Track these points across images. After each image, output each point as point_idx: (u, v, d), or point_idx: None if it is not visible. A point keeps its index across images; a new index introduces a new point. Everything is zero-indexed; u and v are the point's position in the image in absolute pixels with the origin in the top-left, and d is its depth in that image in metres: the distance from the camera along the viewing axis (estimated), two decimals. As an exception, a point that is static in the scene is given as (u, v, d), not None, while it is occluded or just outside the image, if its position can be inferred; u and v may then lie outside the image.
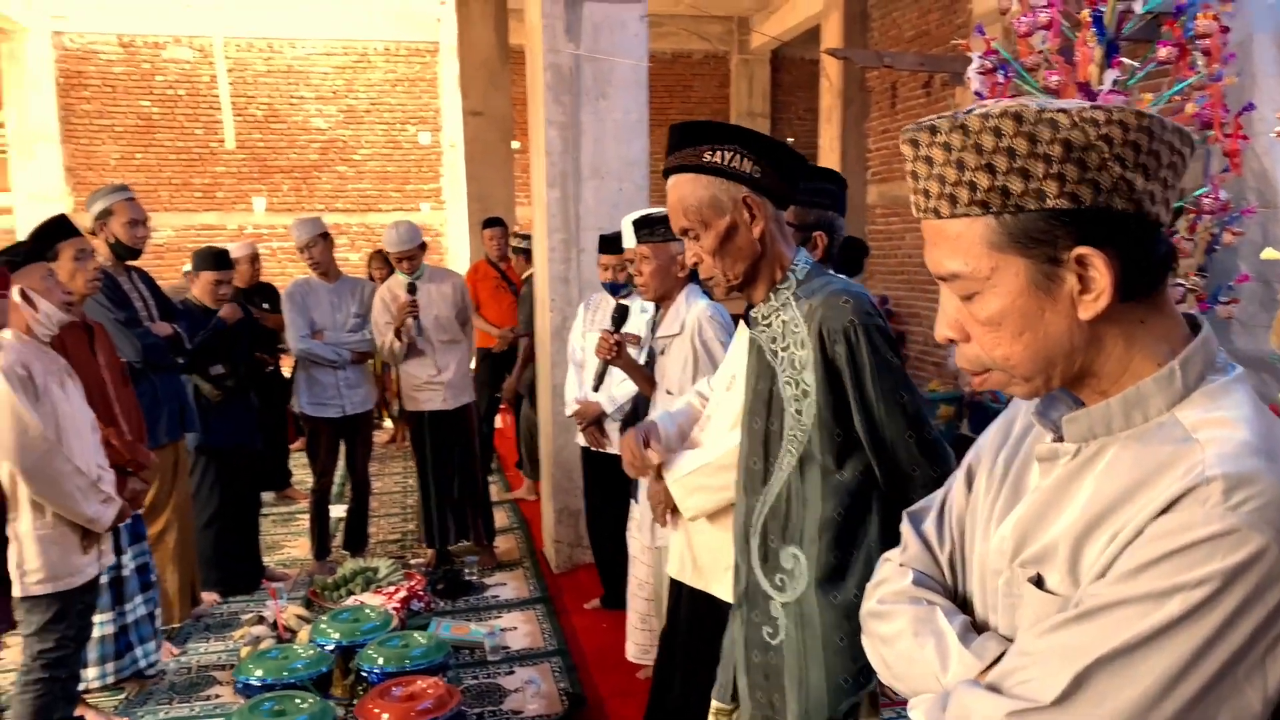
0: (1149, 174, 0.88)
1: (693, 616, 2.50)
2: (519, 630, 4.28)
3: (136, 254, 4.16)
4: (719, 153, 1.74)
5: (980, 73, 4.27)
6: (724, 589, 2.34)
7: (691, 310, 3.16)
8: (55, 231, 3.39)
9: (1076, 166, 0.87)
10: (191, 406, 4.43)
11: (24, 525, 2.84)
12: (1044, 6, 4.09)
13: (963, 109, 0.94)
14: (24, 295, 2.89)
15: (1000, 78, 4.29)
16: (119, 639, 3.57)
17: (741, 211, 1.75)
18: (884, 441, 1.70)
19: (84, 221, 3.92)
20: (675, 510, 2.35)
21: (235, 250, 6.07)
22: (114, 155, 10.92)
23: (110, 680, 3.56)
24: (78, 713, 3.33)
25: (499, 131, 9.31)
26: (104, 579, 3.46)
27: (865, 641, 1.14)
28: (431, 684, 3.11)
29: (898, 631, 1.07)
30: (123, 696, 3.71)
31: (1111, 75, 3.99)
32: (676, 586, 2.56)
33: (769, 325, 1.81)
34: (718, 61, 12.42)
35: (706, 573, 2.37)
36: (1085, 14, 4.08)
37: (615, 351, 3.34)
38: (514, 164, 9.27)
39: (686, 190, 1.77)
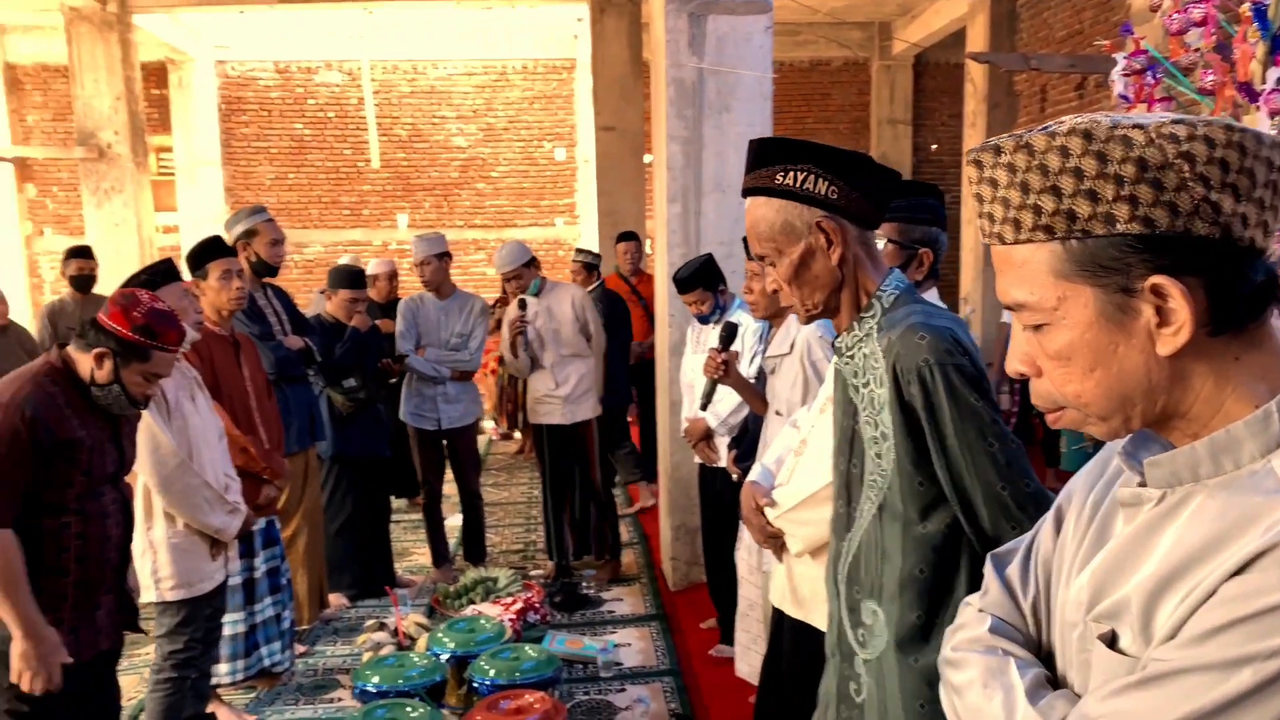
0: (1240, 195, 0.79)
1: (795, 646, 2.42)
2: (633, 647, 4.26)
3: (275, 271, 4.36)
4: (791, 174, 1.61)
5: (1125, 74, 4.01)
6: (821, 621, 2.26)
7: (802, 329, 3.08)
8: (209, 251, 3.61)
9: (1152, 188, 0.79)
10: (322, 416, 4.62)
11: (158, 534, 3.01)
12: (1197, 2, 3.82)
13: (1037, 127, 0.86)
14: None
15: (1149, 79, 4.02)
16: (248, 638, 3.74)
17: (817, 237, 1.62)
18: (970, 494, 1.53)
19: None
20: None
21: (375, 267, 6.33)
22: (269, 176, 11.56)
23: (240, 677, 3.72)
24: (210, 708, 3.51)
25: (630, 146, 9.38)
26: (237, 580, 3.64)
27: (941, 690, 1.07)
28: (539, 698, 3.13)
29: (969, 681, 1.00)
30: (254, 695, 3.89)
31: (1276, 74, 3.68)
32: (779, 614, 2.49)
33: (852, 358, 1.68)
34: (857, 69, 12.17)
35: (807, 604, 2.29)
36: (1245, 8, 3.78)
37: (723, 370, 3.28)
38: (644, 178, 9.32)
39: (760, 214, 1.66)
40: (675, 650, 4.20)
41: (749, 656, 3.46)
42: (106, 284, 6.65)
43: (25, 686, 2.26)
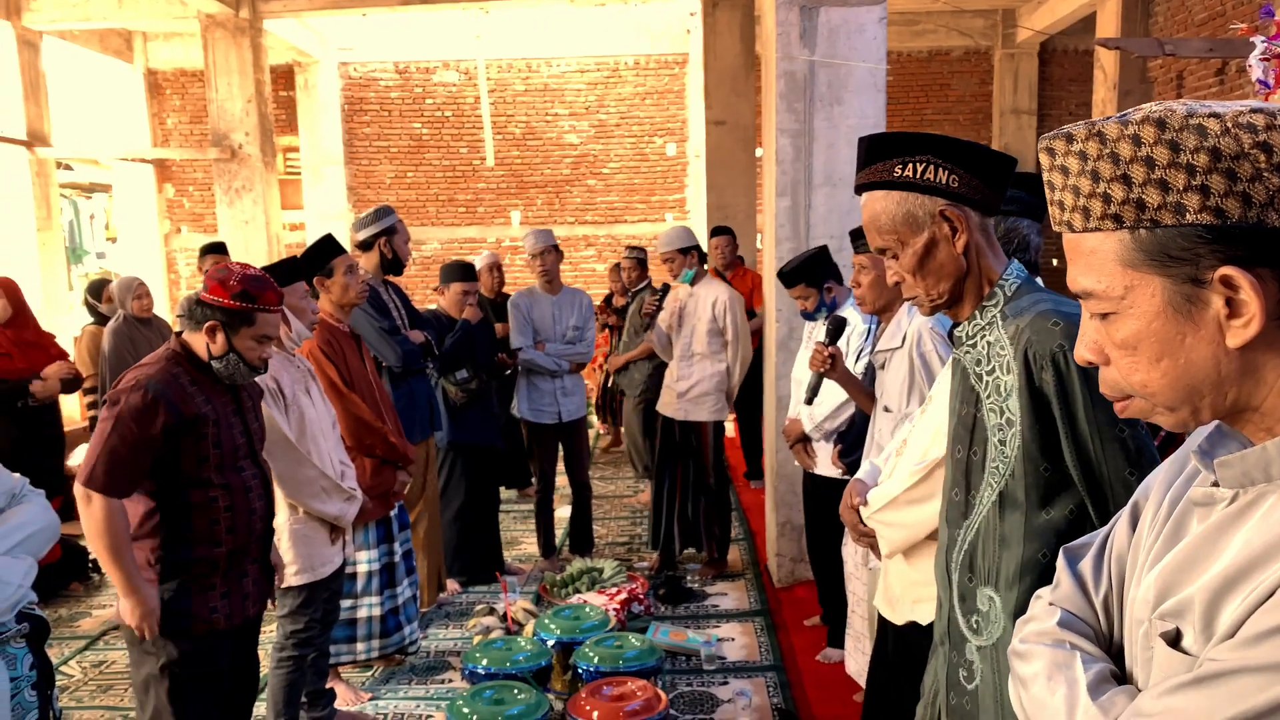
0: None
1: (900, 646, 2.39)
2: (736, 641, 4.26)
3: (402, 268, 4.50)
4: (910, 165, 1.62)
5: (1264, 59, 3.80)
6: (912, 618, 2.24)
7: (914, 321, 3.02)
8: (331, 249, 3.75)
9: (1225, 178, 0.78)
10: (439, 407, 4.77)
11: (280, 520, 3.15)
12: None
13: (1112, 115, 0.86)
14: (284, 316, 3.21)
15: (1291, 63, 3.80)
16: (387, 620, 3.88)
17: (940, 226, 1.63)
18: (1100, 481, 1.52)
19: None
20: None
21: (481, 260, 6.48)
22: (389, 174, 11.95)
23: (374, 655, 3.88)
24: (329, 684, 3.66)
25: (740, 140, 9.35)
26: (378, 565, 3.81)
27: (1009, 681, 1.08)
28: (641, 686, 3.16)
29: (1034, 674, 1.01)
30: (370, 673, 4.04)
31: None
32: (882, 617, 2.46)
33: (973, 346, 1.67)
34: (979, 58, 11.83)
35: (896, 602, 2.28)
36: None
37: (829, 364, 3.24)
38: (755, 172, 9.28)
39: (879, 208, 1.67)
40: (779, 646, 4.18)
41: (856, 655, 3.43)
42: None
43: (142, 635, 2.42)
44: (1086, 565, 1.08)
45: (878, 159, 1.67)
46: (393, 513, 3.90)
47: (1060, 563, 1.12)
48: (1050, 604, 1.08)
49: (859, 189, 1.72)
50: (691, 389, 4.97)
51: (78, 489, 2.39)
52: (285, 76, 11.49)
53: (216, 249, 6.99)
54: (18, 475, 2.05)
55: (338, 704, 3.68)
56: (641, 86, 11.97)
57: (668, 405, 5.04)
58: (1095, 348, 0.92)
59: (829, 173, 4.71)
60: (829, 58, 4.71)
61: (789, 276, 3.91)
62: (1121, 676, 0.97)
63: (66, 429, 5.58)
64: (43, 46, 9.87)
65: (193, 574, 2.50)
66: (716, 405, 5.02)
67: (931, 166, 1.61)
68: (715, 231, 6.94)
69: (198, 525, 2.51)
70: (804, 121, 4.70)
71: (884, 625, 2.49)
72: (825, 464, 3.77)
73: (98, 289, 6.21)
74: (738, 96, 9.31)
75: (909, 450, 2.24)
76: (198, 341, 2.56)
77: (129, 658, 2.60)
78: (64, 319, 8.97)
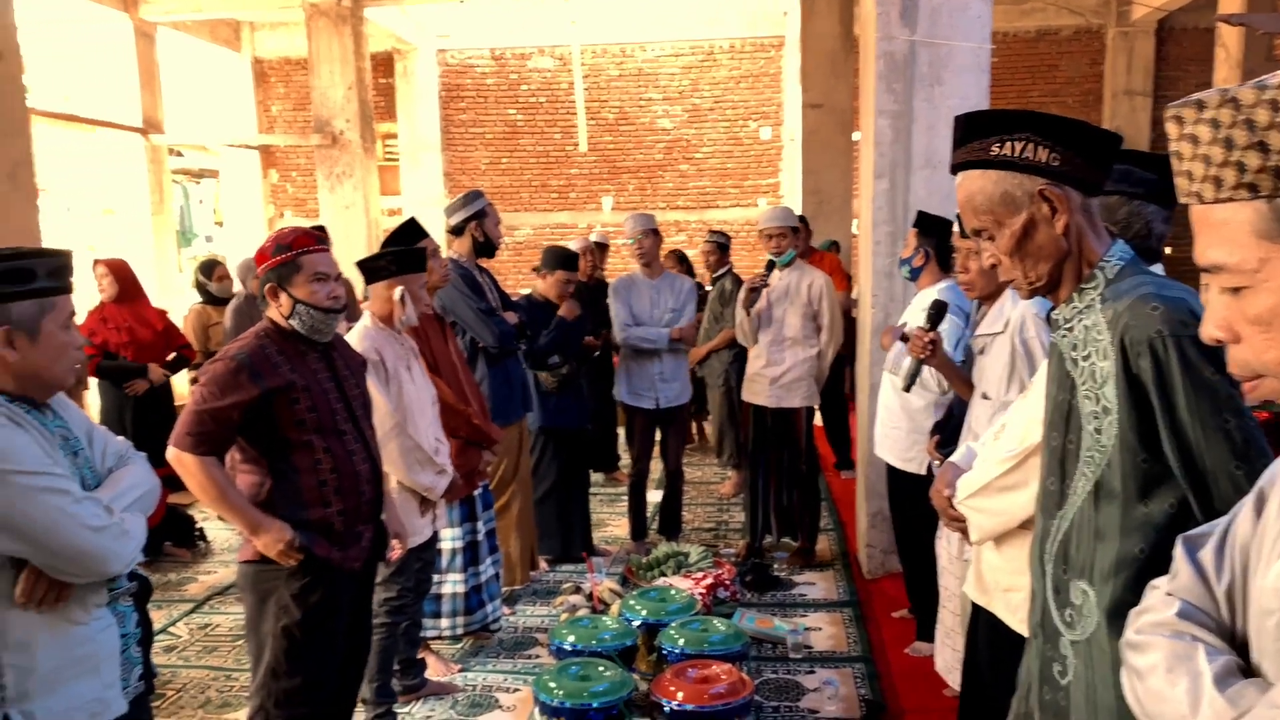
0: None
1: (990, 635, 2.31)
2: (823, 631, 4.20)
3: (494, 250, 4.55)
4: (1008, 144, 1.55)
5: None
6: (1003, 610, 2.17)
7: (1018, 306, 2.92)
8: (413, 234, 3.81)
9: None
10: (531, 389, 4.81)
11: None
12: None
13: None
14: (402, 298, 3.28)
15: None
16: (470, 597, 3.96)
17: (1039, 206, 1.56)
18: (1202, 474, 1.43)
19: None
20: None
21: (576, 245, 6.50)
22: (484, 160, 12.11)
23: (460, 632, 3.96)
24: (420, 655, 3.74)
25: (838, 123, 9.20)
26: (461, 543, 3.88)
27: (1122, 673, 1.03)
28: (726, 670, 3.13)
29: (1151, 665, 0.97)
30: (459, 646, 4.11)
31: None
32: (975, 604, 2.38)
33: (1070, 330, 1.60)
34: (1090, 37, 11.39)
35: (989, 591, 2.22)
36: None
37: (929, 350, 3.15)
38: (852, 156, 9.12)
39: (975, 188, 1.60)
40: (868, 638, 4.11)
41: (945, 651, 3.34)
42: (339, 261, 7.15)
43: (283, 562, 2.55)
44: (1207, 555, 1.03)
45: (974, 137, 1.61)
46: (476, 492, 3.95)
47: (1178, 552, 1.07)
48: (1168, 594, 1.03)
49: (954, 168, 1.67)
50: (785, 375, 4.89)
51: (169, 451, 2.51)
52: (385, 64, 11.74)
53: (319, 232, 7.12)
54: (122, 439, 2.14)
55: (428, 674, 3.76)
56: (736, 70, 11.87)
57: (758, 393, 4.97)
58: (1225, 325, 0.87)
59: (929, 155, 4.59)
60: (931, 37, 4.58)
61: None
62: (1247, 670, 0.92)
63: (176, 404, 5.82)
64: (157, 38, 10.28)
65: (309, 528, 2.60)
66: (809, 391, 4.94)
67: (1030, 144, 1.55)
68: None
69: (306, 487, 2.60)
70: (904, 103, 4.59)
71: (975, 614, 2.42)
72: (928, 445, 3.62)
73: (208, 269, 6.44)
74: (835, 78, 9.16)
75: (1005, 435, 2.17)
76: (273, 312, 2.67)
77: (247, 614, 2.70)
78: (175, 299, 9.34)
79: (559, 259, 5.05)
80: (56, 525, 1.76)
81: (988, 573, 2.24)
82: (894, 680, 3.70)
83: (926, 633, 3.85)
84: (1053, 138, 1.55)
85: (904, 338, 3.87)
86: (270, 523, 2.53)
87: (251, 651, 2.69)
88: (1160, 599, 1.03)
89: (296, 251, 2.64)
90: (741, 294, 4.89)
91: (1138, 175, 2.11)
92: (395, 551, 2.99)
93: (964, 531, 2.29)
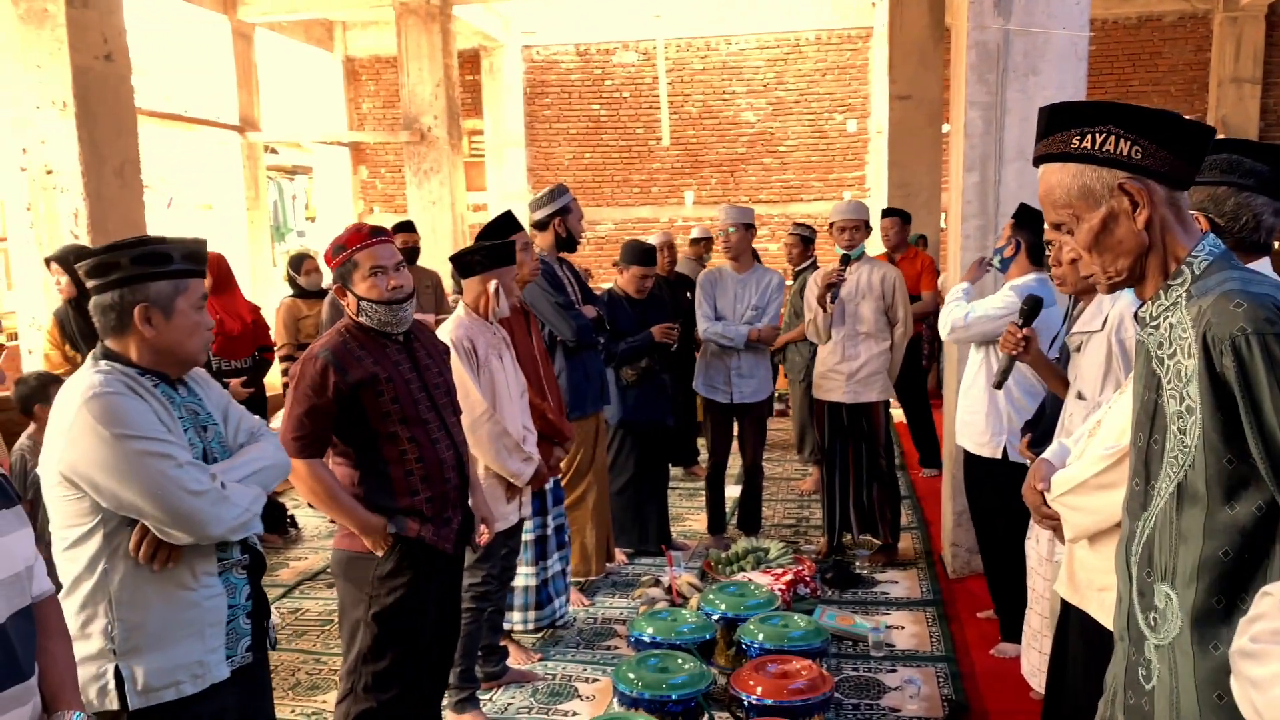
0: None
1: (1084, 639, 2.25)
2: (906, 630, 4.13)
3: (576, 244, 4.59)
4: (1089, 136, 1.52)
5: None
6: (1097, 609, 2.11)
7: (1117, 303, 2.82)
8: (508, 227, 3.86)
9: None
10: (609, 382, 4.83)
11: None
12: None
13: None
14: (496, 291, 3.34)
15: None
16: (540, 591, 4.00)
17: (1120, 200, 1.52)
18: None
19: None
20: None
21: (654, 240, 6.50)
22: (567, 156, 12.20)
23: (531, 627, 4.00)
24: (502, 643, 3.79)
25: (926, 115, 9.03)
26: (530, 536, 3.92)
27: (1233, 683, 0.98)
28: (806, 666, 3.11)
29: (1272, 675, 0.94)
30: (539, 636, 4.16)
31: None
32: (1065, 604, 2.32)
33: (1156, 328, 1.55)
34: (1195, 23, 10.95)
35: (1082, 589, 2.16)
36: None
37: (1022, 346, 3.07)
38: (940, 148, 8.94)
39: (1054, 180, 1.57)
40: (951, 638, 4.03)
41: (1030, 653, 3.26)
42: (426, 256, 7.29)
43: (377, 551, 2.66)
44: None
45: (1056, 130, 1.58)
46: (547, 487, 3.96)
47: None
48: None
49: (1037, 161, 1.64)
50: (860, 369, 4.82)
51: None
52: (471, 61, 11.91)
53: (407, 227, 7.14)
54: (258, 419, 2.27)
55: (509, 662, 3.81)
56: (822, 62, 11.74)
57: (833, 389, 4.89)
58: None
59: (1022, 147, 4.47)
60: (1026, 26, 4.45)
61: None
62: None
63: (268, 395, 5.99)
64: (255, 38, 10.61)
65: (402, 512, 2.67)
66: (885, 385, 4.88)
67: (1112, 137, 1.51)
68: (885, 213, 6.74)
69: (394, 478, 2.66)
70: (996, 94, 4.47)
71: (1065, 612, 2.36)
72: (1020, 444, 3.52)
73: (297, 263, 6.61)
74: (925, 69, 8.99)
75: (1102, 432, 2.10)
76: (349, 308, 2.73)
77: (340, 599, 2.79)
78: (268, 292, 9.64)
79: (636, 254, 5.06)
80: (158, 487, 1.86)
81: (1081, 571, 2.18)
82: (978, 681, 3.62)
83: (1011, 634, 3.76)
84: (1136, 130, 1.51)
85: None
86: (375, 523, 2.64)
87: (344, 636, 2.77)
88: (1274, 605, 0.99)
89: (350, 250, 2.68)
90: (817, 289, 4.82)
91: (1248, 166, 2.03)
92: (483, 536, 3.04)
93: (1056, 529, 2.23)
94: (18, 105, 5.02)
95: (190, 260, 2.03)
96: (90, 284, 1.99)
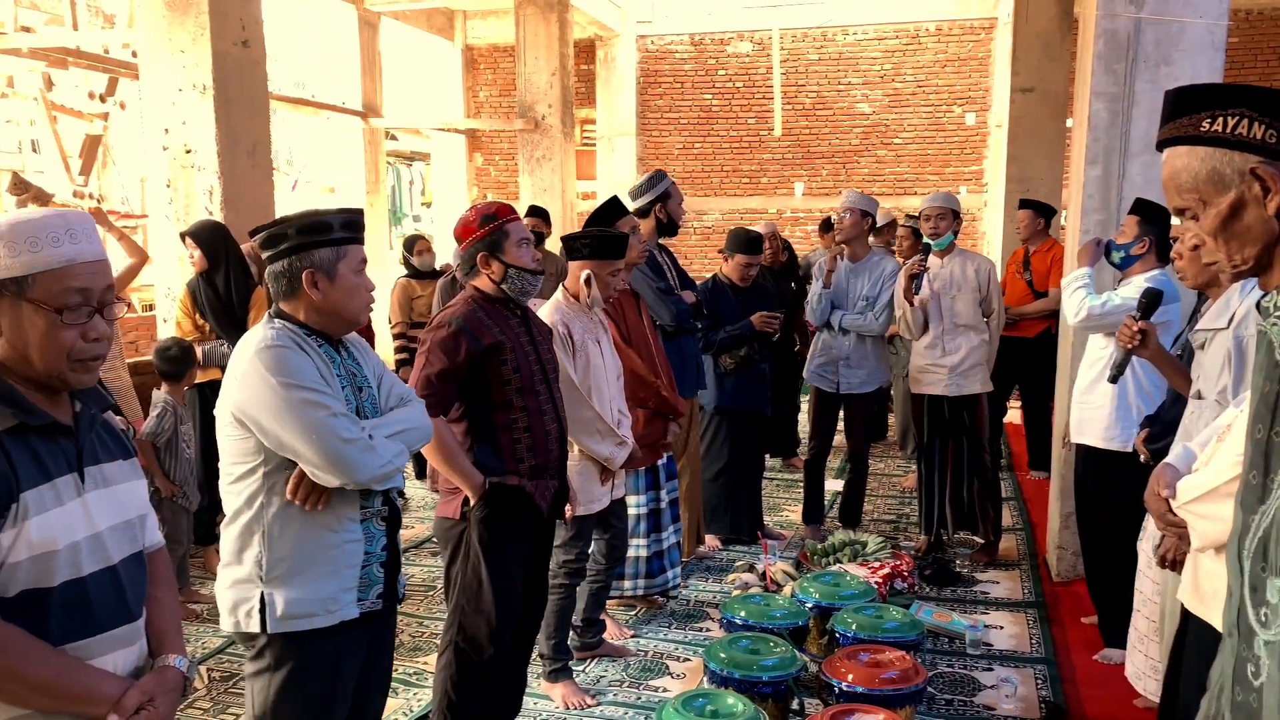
0: None
1: (1199, 651, 2.17)
2: (1004, 630, 4.04)
3: (677, 230, 4.63)
4: (1220, 119, 1.46)
5: None
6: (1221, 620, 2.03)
7: (1246, 300, 2.71)
8: (616, 212, 3.92)
9: None
10: (706, 368, 4.86)
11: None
12: None
13: None
14: (588, 280, 3.40)
15: None
16: (652, 561, 4.13)
17: (1250, 185, 1.46)
18: None
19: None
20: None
21: (759, 229, 6.48)
22: (677, 145, 12.22)
23: (640, 592, 4.14)
24: (600, 617, 3.88)
25: (1050, 108, 8.74)
26: (643, 510, 4.06)
27: None
28: (899, 656, 3.08)
29: None
30: (634, 613, 4.23)
31: None
32: (1185, 613, 2.24)
33: None
34: (1351, 16, 10.33)
35: (1207, 600, 2.06)
36: None
37: (1139, 339, 2.97)
38: (1064, 143, 8.64)
39: (1181, 164, 1.52)
40: (1052, 640, 3.92)
41: (1135, 656, 3.16)
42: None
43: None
44: None
45: (1184, 113, 1.52)
46: (660, 462, 4.05)
47: None
48: None
49: (1161, 144, 1.58)
50: (962, 361, 4.73)
51: None
52: (587, 50, 12.04)
53: (537, 213, 7.14)
54: (409, 385, 2.44)
55: (605, 636, 3.88)
56: (943, 53, 11.46)
57: (933, 383, 4.79)
58: None
59: (1149, 140, 4.29)
60: (1159, 14, 4.28)
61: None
62: None
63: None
64: (380, 26, 10.97)
65: (503, 479, 2.80)
66: (985, 376, 4.78)
67: (1245, 120, 1.45)
68: (1022, 204, 6.57)
69: (504, 444, 2.80)
70: (1124, 84, 4.32)
71: (1184, 623, 2.28)
72: (1136, 440, 3.39)
73: (411, 243, 6.82)
74: (1050, 61, 8.70)
75: (1231, 437, 2.02)
76: (482, 281, 2.86)
77: (444, 564, 2.93)
78: (386, 275, 9.97)
79: (742, 242, 5.06)
80: (315, 431, 2.02)
81: (1205, 580, 2.10)
82: (1079, 686, 3.52)
83: (1114, 639, 3.65)
84: (1271, 113, 1.45)
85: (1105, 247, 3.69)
86: (476, 484, 2.78)
87: (447, 599, 2.91)
88: None
89: (502, 220, 2.83)
90: (901, 283, 4.73)
91: None
92: (568, 512, 3.15)
93: (1181, 538, 2.16)
94: (162, 88, 5.32)
95: (349, 229, 2.19)
96: (264, 254, 2.18)
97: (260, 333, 2.13)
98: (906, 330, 4.87)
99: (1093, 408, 3.72)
